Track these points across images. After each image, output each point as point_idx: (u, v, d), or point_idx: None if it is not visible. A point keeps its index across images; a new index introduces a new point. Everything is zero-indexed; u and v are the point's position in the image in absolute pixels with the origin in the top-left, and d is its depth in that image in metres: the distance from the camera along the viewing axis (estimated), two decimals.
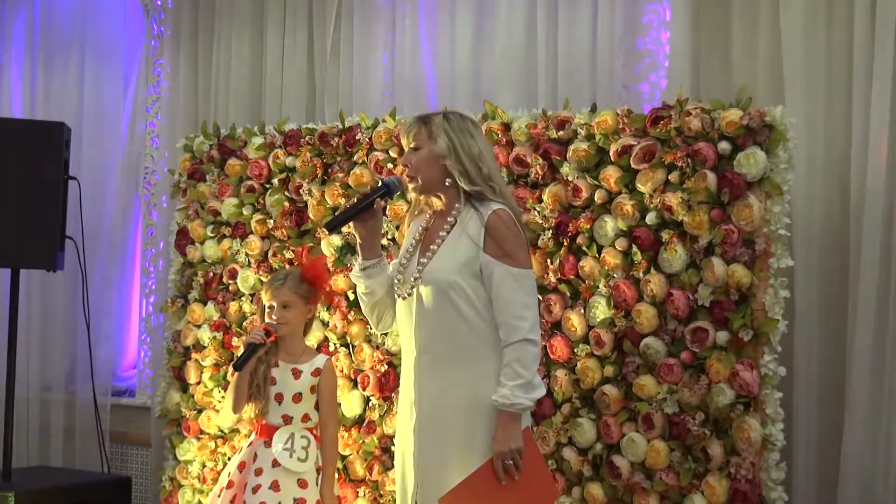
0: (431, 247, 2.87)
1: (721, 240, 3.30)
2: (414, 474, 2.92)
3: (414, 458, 2.92)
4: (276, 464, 3.35)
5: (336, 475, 3.49)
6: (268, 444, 3.39)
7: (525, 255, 2.91)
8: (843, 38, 3.68)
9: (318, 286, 3.56)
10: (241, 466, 3.41)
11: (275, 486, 3.31)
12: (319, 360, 3.50)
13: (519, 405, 2.76)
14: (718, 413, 3.30)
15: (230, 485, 3.40)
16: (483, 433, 2.80)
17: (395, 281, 2.89)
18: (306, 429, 3.42)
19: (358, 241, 2.84)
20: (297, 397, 3.41)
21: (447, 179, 2.88)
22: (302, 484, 3.36)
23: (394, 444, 3.83)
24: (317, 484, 3.39)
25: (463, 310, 2.78)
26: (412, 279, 2.85)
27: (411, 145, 2.91)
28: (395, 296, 2.91)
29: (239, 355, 3.41)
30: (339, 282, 3.96)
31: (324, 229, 2.65)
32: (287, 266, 3.98)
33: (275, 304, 3.44)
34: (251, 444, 3.43)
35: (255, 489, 3.32)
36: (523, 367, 2.77)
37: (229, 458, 4.00)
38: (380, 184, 2.82)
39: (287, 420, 3.40)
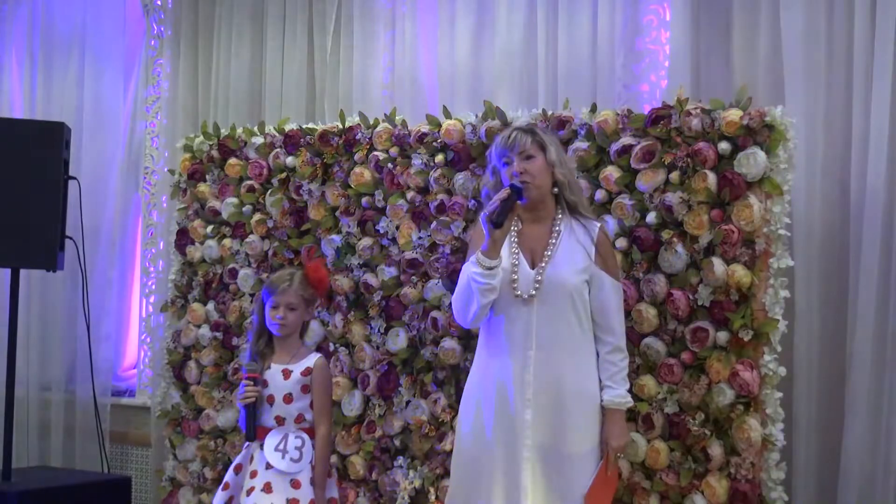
0: (546, 252, 3.04)
1: (721, 240, 3.30)
2: (529, 469, 2.96)
3: (529, 451, 2.97)
4: (269, 466, 3.34)
5: (327, 473, 3.47)
6: (263, 446, 3.38)
7: (619, 270, 3.25)
8: (843, 39, 3.68)
9: (321, 289, 3.56)
10: (238, 469, 3.41)
11: (267, 489, 3.31)
12: (311, 360, 3.48)
13: (629, 404, 3.07)
14: (718, 413, 3.30)
15: (226, 486, 3.40)
16: (594, 425, 3.03)
17: (510, 281, 3.02)
18: (301, 429, 3.41)
19: (490, 240, 2.94)
20: (288, 398, 3.40)
21: (554, 188, 3.08)
22: (295, 484, 3.34)
23: (394, 444, 3.85)
24: (311, 483, 3.38)
25: (580, 310, 3.02)
26: (534, 281, 3.00)
27: (524, 154, 3.03)
28: (511, 295, 3.01)
29: (240, 421, 3.49)
30: (341, 282, 3.97)
31: (491, 225, 2.92)
32: (287, 265, 3.98)
33: (280, 305, 3.44)
34: (248, 445, 3.43)
35: (249, 491, 3.31)
36: (628, 372, 3.10)
37: (230, 459, 4.00)
38: (511, 189, 2.97)
39: (280, 421, 3.39)
